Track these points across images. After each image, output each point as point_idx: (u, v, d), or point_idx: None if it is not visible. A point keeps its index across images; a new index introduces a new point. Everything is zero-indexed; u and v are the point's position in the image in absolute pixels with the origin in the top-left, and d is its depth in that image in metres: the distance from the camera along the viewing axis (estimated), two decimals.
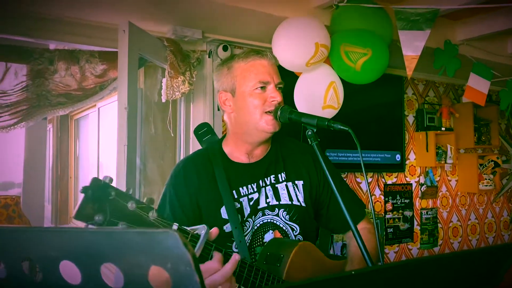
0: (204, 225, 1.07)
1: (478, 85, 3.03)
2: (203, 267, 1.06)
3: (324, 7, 2.73)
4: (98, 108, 4.78)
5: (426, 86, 4.28)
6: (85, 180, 5.57)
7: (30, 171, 3.14)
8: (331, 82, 2.50)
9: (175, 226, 1.01)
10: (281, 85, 1.47)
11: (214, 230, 1.11)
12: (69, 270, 0.50)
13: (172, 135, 2.86)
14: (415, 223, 4.10)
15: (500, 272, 0.79)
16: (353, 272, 0.64)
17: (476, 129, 4.36)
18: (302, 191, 1.52)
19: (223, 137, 1.58)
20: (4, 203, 2.05)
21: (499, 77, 3.32)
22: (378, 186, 3.88)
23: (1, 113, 2.40)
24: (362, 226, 1.59)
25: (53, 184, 5.75)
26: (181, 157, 2.94)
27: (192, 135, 2.95)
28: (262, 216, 1.46)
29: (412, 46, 2.38)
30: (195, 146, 2.90)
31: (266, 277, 1.21)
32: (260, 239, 1.44)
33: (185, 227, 1.04)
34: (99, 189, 0.89)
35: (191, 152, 2.91)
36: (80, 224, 0.89)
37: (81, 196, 0.89)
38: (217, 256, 1.07)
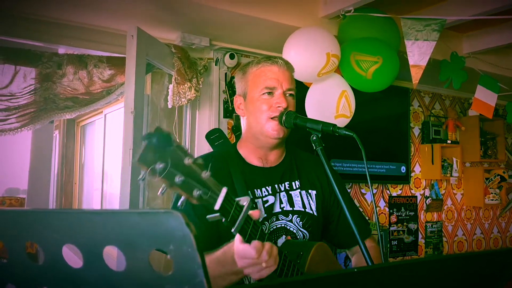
0: (247, 196, 1.07)
1: (485, 98, 3.03)
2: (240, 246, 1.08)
3: (331, 17, 2.75)
4: (105, 115, 4.80)
5: (432, 98, 4.28)
6: (89, 186, 5.58)
7: (36, 176, 3.15)
8: (342, 91, 2.51)
9: (224, 189, 1.00)
10: (291, 92, 1.48)
11: (256, 212, 1.10)
12: (72, 253, 0.50)
13: (178, 140, 2.87)
14: (420, 236, 4.06)
15: (504, 276, 0.77)
16: (355, 270, 0.64)
17: (482, 142, 4.34)
18: (315, 201, 1.53)
19: (237, 140, 1.60)
20: (9, 203, 2.06)
21: (506, 91, 3.31)
22: (383, 197, 3.86)
23: (9, 115, 2.42)
24: (369, 244, 1.59)
25: (58, 190, 5.76)
26: None
27: (197, 141, 2.96)
28: (276, 220, 1.46)
29: (419, 56, 2.38)
30: (200, 152, 2.90)
31: (292, 266, 1.20)
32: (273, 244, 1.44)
33: (231, 194, 1.03)
34: (163, 137, 0.87)
35: None
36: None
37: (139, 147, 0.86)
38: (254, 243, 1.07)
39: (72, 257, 0.51)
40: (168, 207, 1.54)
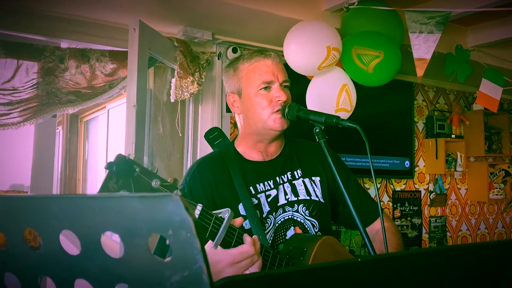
0: (228, 209, 1.07)
1: (490, 91, 3.00)
2: (229, 251, 1.07)
3: (334, 10, 2.73)
4: (108, 110, 4.81)
5: (437, 93, 4.25)
6: (93, 182, 5.59)
7: (39, 172, 3.15)
8: (343, 85, 2.49)
9: (199, 206, 1.00)
10: (287, 83, 1.47)
11: (238, 220, 1.10)
12: (69, 240, 0.49)
13: (180, 135, 2.86)
14: (424, 231, 4.05)
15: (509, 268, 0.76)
16: (359, 260, 0.63)
17: (487, 137, 4.31)
18: (320, 187, 1.52)
19: (235, 138, 1.59)
20: None
21: (511, 84, 3.28)
22: (387, 192, 3.85)
23: (11, 109, 2.42)
24: (378, 226, 1.59)
25: (61, 186, 5.78)
26: (189, 158, 2.94)
27: (200, 136, 2.95)
28: (282, 213, 1.45)
29: (423, 49, 2.36)
30: (202, 146, 2.90)
31: (279, 261, 1.20)
32: (283, 236, 1.43)
33: (207, 210, 1.03)
34: (123, 164, 0.87)
35: (198, 153, 2.92)
36: None
37: (104, 172, 0.87)
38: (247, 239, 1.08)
39: (69, 243, 0.50)
40: None
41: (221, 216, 1.05)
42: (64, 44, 2.63)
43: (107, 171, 0.88)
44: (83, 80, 2.55)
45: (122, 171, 0.88)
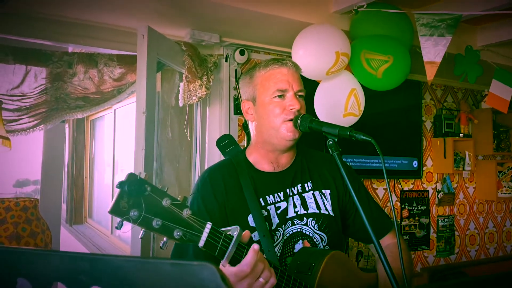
0: (237, 226, 1.06)
1: (500, 92, 2.97)
2: (235, 269, 1.05)
3: (343, 12, 2.70)
4: (114, 110, 4.81)
5: (445, 91, 4.22)
6: (100, 180, 5.61)
7: (48, 172, 3.16)
8: (352, 89, 2.47)
9: (208, 225, 1.01)
10: (301, 93, 1.46)
11: (246, 233, 1.10)
12: None
13: (189, 139, 2.86)
14: (432, 230, 4.04)
15: None
16: None
17: (496, 135, 4.27)
18: (330, 200, 1.51)
19: (246, 146, 1.58)
20: (23, 205, 2.07)
21: None
22: (395, 192, 3.84)
23: (20, 115, 2.42)
24: (392, 240, 1.58)
25: (69, 184, 5.80)
26: (197, 161, 2.94)
27: (208, 138, 2.95)
28: (291, 225, 1.44)
29: (433, 52, 2.34)
30: (210, 150, 2.90)
31: (298, 284, 1.19)
32: (291, 249, 1.43)
33: (217, 228, 1.03)
34: (135, 184, 0.89)
35: (206, 156, 2.92)
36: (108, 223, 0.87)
37: (116, 191, 0.88)
38: (246, 258, 1.05)
39: None
40: None
41: (230, 234, 1.05)
42: (71, 49, 2.62)
43: (119, 190, 0.90)
44: (92, 85, 2.54)
45: (133, 191, 0.89)
